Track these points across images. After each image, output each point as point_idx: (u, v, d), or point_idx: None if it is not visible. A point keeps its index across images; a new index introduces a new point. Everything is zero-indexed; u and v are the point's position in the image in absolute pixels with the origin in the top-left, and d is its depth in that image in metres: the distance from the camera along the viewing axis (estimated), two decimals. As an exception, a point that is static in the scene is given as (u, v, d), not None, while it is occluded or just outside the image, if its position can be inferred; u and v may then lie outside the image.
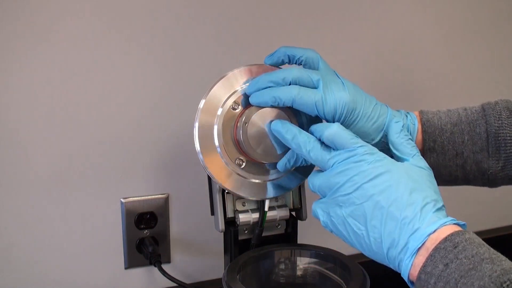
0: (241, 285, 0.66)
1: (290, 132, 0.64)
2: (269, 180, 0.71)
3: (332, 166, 0.60)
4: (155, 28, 0.85)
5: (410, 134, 0.70)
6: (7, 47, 0.77)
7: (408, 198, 0.55)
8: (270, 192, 0.72)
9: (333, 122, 0.66)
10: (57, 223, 0.85)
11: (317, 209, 0.61)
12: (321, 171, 0.62)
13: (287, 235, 0.80)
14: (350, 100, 0.65)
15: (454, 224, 0.54)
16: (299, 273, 0.77)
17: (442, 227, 0.53)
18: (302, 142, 0.62)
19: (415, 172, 0.59)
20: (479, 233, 1.23)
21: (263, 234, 0.77)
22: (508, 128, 0.68)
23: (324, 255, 0.75)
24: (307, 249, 0.76)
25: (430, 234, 0.53)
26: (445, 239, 0.52)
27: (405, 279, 0.55)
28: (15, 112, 0.79)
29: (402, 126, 0.65)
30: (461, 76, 1.12)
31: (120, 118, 0.86)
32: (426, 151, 0.70)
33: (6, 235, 0.82)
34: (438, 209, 0.56)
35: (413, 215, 0.54)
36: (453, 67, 1.11)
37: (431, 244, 0.52)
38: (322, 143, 0.62)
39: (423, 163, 0.61)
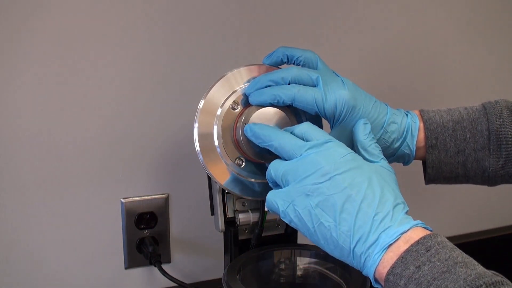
0: (241, 285, 0.66)
1: (261, 127, 0.63)
2: (269, 180, 0.71)
3: (301, 154, 0.58)
4: (154, 27, 0.85)
5: (411, 132, 0.70)
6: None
7: (380, 195, 0.55)
8: (270, 192, 0.72)
9: (333, 120, 0.66)
10: (57, 223, 0.85)
11: (275, 198, 0.59)
12: (284, 160, 0.60)
13: (287, 235, 0.80)
14: (350, 98, 0.65)
15: (423, 227, 0.54)
16: (299, 273, 0.77)
17: (414, 228, 0.53)
18: (272, 130, 0.62)
19: (384, 173, 0.59)
20: (478, 234, 1.23)
21: (263, 234, 0.77)
22: (509, 127, 0.68)
23: (324, 255, 0.75)
24: (307, 249, 0.76)
25: (403, 233, 0.53)
26: (417, 242, 0.51)
27: (370, 276, 0.54)
28: (12, 112, 0.79)
29: (370, 129, 0.64)
30: (466, 76, 1.12)
31: (120, 118, 0.86)
32: (428, 148, 0.71)
33: (6, 235, 0.82)
34: (406, 212, 0.55)
35: (385, 212, 0.54)
36: (458, 66, 1.11)
37: (403, 243, 0.52)
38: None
39: (389, 167, 0.61)
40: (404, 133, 0.70)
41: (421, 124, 0.71)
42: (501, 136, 0.68)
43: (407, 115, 0.71)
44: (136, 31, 0.84)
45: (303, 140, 0.60)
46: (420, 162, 0.74)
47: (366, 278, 0.67)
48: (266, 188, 0.71)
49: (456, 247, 0.52)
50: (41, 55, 0.79)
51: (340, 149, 0.58)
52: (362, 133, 0.63)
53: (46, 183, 0.83)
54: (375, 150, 0.62)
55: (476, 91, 1.14)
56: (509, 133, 0.68)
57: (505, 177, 0.70)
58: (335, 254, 0.57)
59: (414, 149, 0.71)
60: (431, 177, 0.73)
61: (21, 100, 0.79)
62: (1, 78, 0.78)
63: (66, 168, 0.84)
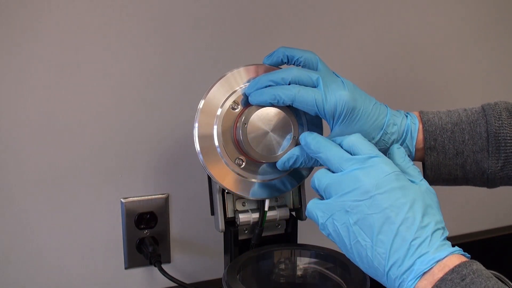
0: (241, 285, 0.66)
1: (314, 137, 0.63)
2: (269, 180, 0.71)
3: (347, 168, 0.58)
4: (154, 27, 0.85)
5: (411, 133, 0.70)
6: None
7: (420, 220, 0.54)
8: (270, 192, 0.72)
9: (333, 120, 0.66)
10: (57, 223, 0.85)
11: (316, 210, 0.59)
12: (330, 171, 0.60)
13: (287, 235, 0.80)
14: (350, 99, 0.65)
15: (461, 254, 0.53)
16: (299, 273, 0.77)
17: (450, 256, 0.52)
18: (322, 142, 0.62)
19: (428, 195, 0.57)
20: (477, 234, 1.23)
21: (263, 234, 0.77)
22: (508, 128, 0.68)
23: (324, 255, 0.75)
24: (307, 249, 0.76)
25: (438, 260, 0.52)
26: (452, 271, 0.51)
27: None
28: (13, 112, 0.79)
29: (405, 153, 0.64)
30: (466, 77, 1.12)
31: (120, 118, 0.85)
32: (426, 150, 0.70)
33: (6, 235, 0.82)
34: (445, 238, 0.55)
35: (423, 238, 0.53)
36: (459, 67, 1.11)
37: (438, 271, 0.51)
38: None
39: (430, 187, 0.60)
40: (404, 135, 0.70)
41: (420, 126, 0.71)
42: (500, 138, 0.68)
43: (406, 116, 0.71)
44: (136, 32, 0.84)
45: (350, 153, 0.60)
46: (420, 163, 0.74)
47: (366, 278, 0.67)
48: (266, 188, 0.71)
49: (491, 275, 0.51)
50: (42, 56, 0.79)
51: (385, 166, 0.57)
52: (398, 156, 0.63)
53: (47, 183, 0.83)
54: (415, 172, 0.61)
55: (476, 91, 1.14)
56: (508, 135, 0.68)
57: (504, 179, 0.70)
58: (370, 273, 0.56)
59: (413, 151, 0.71)
60: (430, 179, 0.72)
61: (21, 101, 0.79)
62: (3, 78, 0.78)
63: (66, 168, 0.84)
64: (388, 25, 1.03)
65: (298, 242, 0.80)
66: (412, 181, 0.59)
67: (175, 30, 0.86)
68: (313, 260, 0.76)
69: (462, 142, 0.70)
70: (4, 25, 0.77)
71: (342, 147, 0.61)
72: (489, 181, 0.71)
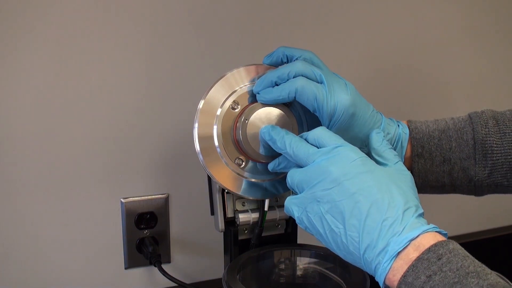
0: (241, 285, 0.66)
1: (278, 133, 0.64)
2: (269, 180, 0.71)
3: (314, 161, 0.58)
4: (155, 27, 0.85)
5: (401, 143, 0.71)
6: None
7: (390, 200, 0.54)
8: (270, 192, 0.72)
9: (329, 122, 0.66)
10: (57, 223, 0.85)
11: (291, 205, 0.60)
12: (300, 167, 0.61)
13: (287, 235, 0.80)
14: (351, 104, 0.64)
15: (436, 231, 0.53)
16: (299, 273, 0.77)
17: (424, 234, 0.52)
18: (287, 137, 0.62)
19: (397, 176, 0.58)
20: (477, 234, 1.22)
21: (263, 234, 0.77)
22: (494, 136, 0.69)
23: (324, 255, 0.75)
24: (307, 249, 0.76)
25: (412, 239, 0.51)
26: (428, 250, 0.50)
27: (380, 283, 0.53)
28: (13, 112, 0.79)
29: (383, 137, 0.64)
30: (463, 80, 1.12)
31: (120, 118, 0.86)
32: (414, 157, 0.71)
33: (6, 235, 0.82)
34: (420, 215, 0.54)
35: (394, 217, 0.53)
36: (454, 71, 1.11)
37: (413, 250, 0.51)
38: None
39: (405, 169, 0.60)
40: (395, 143, 0.70)
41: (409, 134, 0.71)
42: (486, 145, 0.69)
43: (398, 125, 0.71)
44: (135, 32, 0.84)
45: (317, 146, 0.60)
46: None
47: (366, 278, 0.68)
48: (266, 188, 0.71)
49: (468, 254, 0.51)
50: (42, 56, 0.79)
51: (351, 153, 0.57)
52: (375, 140, 0.63)
53: (47, 183, 0.83)
54: (389, 155, 0.62)
55: (474, 94, 1.14)
56: (494, 142, 0.68)
57: (492, 186, 0.70)
58: (348, 259, 0.56)
59: (403, 159, 0.71)
60: (418, 186, 0.72)
61: (21, 101, 0.79)
62: (2, 78, 0.78)
63: (66, 168, 0.84)
64: (386, 26, 1.03)
65: (298, 242, 0.80)
66: (385, 164, 0.60)
67: (175, 30, 0.86)
68: (313, 260, 0.76)
69: (449, 149, 0.70)
70: (9, 26, 0.77)
71: (308, 142, 0.61)
72: (476, 188, 0.71)
